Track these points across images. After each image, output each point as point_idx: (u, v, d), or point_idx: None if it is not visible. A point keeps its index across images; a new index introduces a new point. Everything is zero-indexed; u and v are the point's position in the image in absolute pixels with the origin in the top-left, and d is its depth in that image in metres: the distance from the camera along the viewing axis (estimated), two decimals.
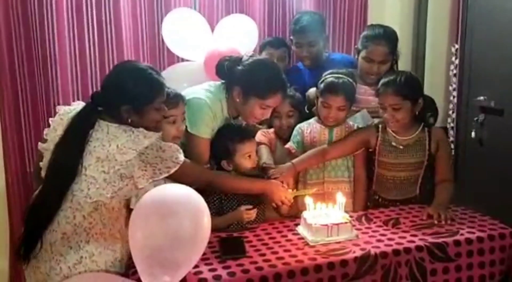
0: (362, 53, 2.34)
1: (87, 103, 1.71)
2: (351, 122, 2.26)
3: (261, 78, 1.94)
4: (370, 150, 2.18)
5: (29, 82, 2.49)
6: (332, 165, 2.21)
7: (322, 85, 2.18)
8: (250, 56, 2.02)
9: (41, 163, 1.69)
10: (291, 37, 2.63)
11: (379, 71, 2.31)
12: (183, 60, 2.63)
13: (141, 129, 1.64)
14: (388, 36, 2.33)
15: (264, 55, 2.54)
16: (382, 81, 2.12)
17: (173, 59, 2.66)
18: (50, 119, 1.76)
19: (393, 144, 2.12)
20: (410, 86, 2.07)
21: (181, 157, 1.69)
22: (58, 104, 2.52)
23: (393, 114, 2.06)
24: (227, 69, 2.00)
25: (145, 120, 1.69)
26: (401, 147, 2.11)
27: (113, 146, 1.60)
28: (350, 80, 2.19)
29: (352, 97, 2.19)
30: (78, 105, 1.75)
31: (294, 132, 2.28)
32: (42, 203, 1.62)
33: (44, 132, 1.73)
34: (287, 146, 2.25)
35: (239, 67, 1.97)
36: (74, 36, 2.52)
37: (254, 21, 2.66)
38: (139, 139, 1.61)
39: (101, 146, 1.60)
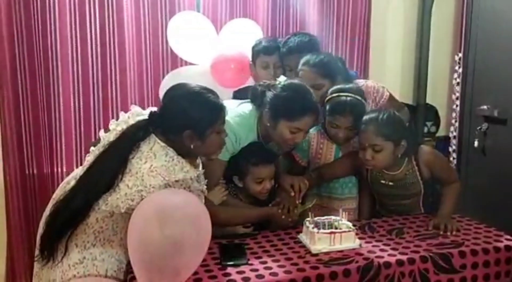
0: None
1: (144, 121, 1.66)
2: None
3: (290, 100, 1.88)
4: (364, 178, 2.13)
5: (30, 83, 2.47)
6: (340, 182, 2.18)
7: (329, 105, 2.06)
8: (285, 80, 1.97)
9: (92, 148, 1.69)
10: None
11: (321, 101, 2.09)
12: (186, 63, 2.61)
13: (182, 160, 1.61)
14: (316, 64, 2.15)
15: (259, 64, 2.39)
16: (364, 118, 1.96)
17: (177, 62, 2.65)
18: (121, 112, 1.75)
19: (382, 181, 2.04)
20: (392, 127, 1.92)
21: (202, 202, 1.65)
22: (59, 105, 2.53)
23: (373, 155, 1.92)
24: (260, 93, 1.96)
25: (207, 144, 1.66)
26: (391, 184, 2.03)
27: (147, 165, 1.56)
28: (359, 98, 2.06)
29: (361, 116, 1.99)
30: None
31: None
32: (71, 211, 1.56)
33: (110, 123, 1.72)
34: (293, 152, 2.21)
35: (271, 91, 1.93)
36: (77, 38, 2.51)
37: (258, 24, 2.65)
38: (173, 170, 1.58)
39: (138, 159, 1.57)
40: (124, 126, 1.66)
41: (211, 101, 1.66)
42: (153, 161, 1.57)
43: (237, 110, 1.96)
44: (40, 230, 1.68)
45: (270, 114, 1.92)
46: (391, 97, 2.30)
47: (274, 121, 1.91)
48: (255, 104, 2.00)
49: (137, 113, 1.72)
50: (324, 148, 2.19)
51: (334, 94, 2.07)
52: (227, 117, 1.82)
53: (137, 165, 1.56)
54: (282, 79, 1.99)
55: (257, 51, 2.39)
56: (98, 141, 1.72)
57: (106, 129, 1.72)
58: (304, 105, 1.90)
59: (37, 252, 1.62)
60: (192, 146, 1.63)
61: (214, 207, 1.87)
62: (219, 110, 1.69)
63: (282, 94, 1.91)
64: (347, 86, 2.10)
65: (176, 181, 1.57)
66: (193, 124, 1.62)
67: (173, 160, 1.59)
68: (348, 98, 2.04)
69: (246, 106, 2.00)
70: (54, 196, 1.74)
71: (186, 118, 1.62)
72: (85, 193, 1.58)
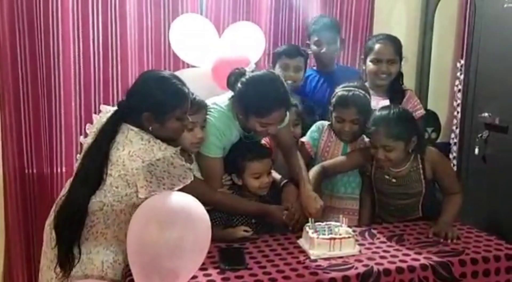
0: (369, 57, 2.34)
1: (114, 112, 1.71)
2: (366, 139, 2.18)
3: (256, 97, 1.84)
4: (368, 173, 2.15)
5: (31, 83, 2.47)
6: (344, 180, 2.19)
7: (334, 100, 2.16)
8: (251, 71, 1.93)
9: (78, 156, 1.75)
10: (308, 42, 2.66)
11: (389, 71, 2.30)
12: (188, 65, 2.60)
13: (158, 141, 1.63)
14: (391, 38, 2.36)
15: (278, 65, 2.48)
16: (373, 118, 2.01)
17: (179, 64, 2.64)
18: (94, 115, 1.82)
19: (386, 177, 2.06)
20: (402, 126, 1.96)
21: (189, 178, 1.66)
22: (59, 106, 2.52)
23: (386, 154, 1.96)
24: (232, 84, 1.93)
25: (165, 129, 1.67)
26: (394, 180, 2.05)
27: (125, 151, 1.59)
28: (363, 92, 2.15)
29: (365, 110, 2.10)
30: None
31: (314, 127, 2.26)
32: (71, 214, 1.59)
33: (87, 127, 1.79)
34: (303, 139, 2.24)
35: (239, 85, 1.89)
36: (79, 38, 2.51)
37: (260, 27, 2.64)
38: (152, 151, 1.59)
39: (116, 149, 1.60)
40: (99, 126, 1.69)
41: (175, 87, 1.68)
42: (130, 147, 1.59)
43: (214, 105, 1.95)
44: (48, 239, 1.69)
45: (239, 109, 1.91)
46: (422, 118, 2.39)
47: (244, 116, 1.90)
48: (232, 91, 1.95)
49: (107, 111, 1.75)
50: (331, 145, 2.22)
51: (339, 90, 2.16)
52: (207, 116, 1.89)
53: (116, 153, 1.60)
54: (251, 67, 1.98)
55: (279, 53, 2.51)
56: (81, 149, 1.76)
57: (85, 135, 1.78)
58: (270, 101, 1.84)
59: (57, 267, 1.61)
60: (150, 128, 1.64)
61: (223, 197, 1.91)
62: (182, 97, 1.69)
63: (247, 90, 1.86)
64: (351, 83, 2.19)
65: (158, 160, 1.58)
66: (153, 107, 1.64)
67: (149, 142, 1.61)
68: (351, 92, 2.12)
69: (222, 100, 1.98)
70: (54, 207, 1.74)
71: (147, 100, 1.65)
72: (78, 196, 1.60)
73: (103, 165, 1.60)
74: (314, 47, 2.63)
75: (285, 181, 2.07)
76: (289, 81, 2.36)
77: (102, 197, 1.60)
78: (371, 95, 2.30)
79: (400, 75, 2.39)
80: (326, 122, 2.27)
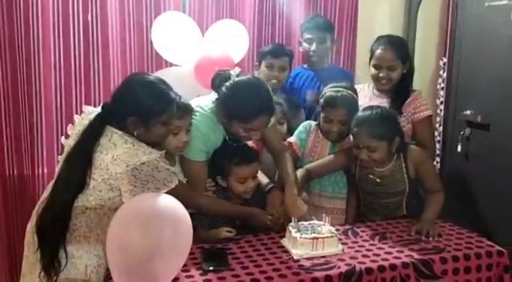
0: (372, 61, 2.32)
1: (98, 114, 1.67)
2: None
3: (241, 103, 1.82)
4: (352, 174, 2.15)
5: (11, 83, 2.43)
6: (331, 180, 2.20)
7: (322, 100, 2.15)
8: (237, 75, 1.90)
9: (59, 156, 1.71)
10: (300, 39, 2.69)
11: (389, 77, 2.27)
12: (171, 65, 2.58)
13: (143, 144, 1.61)
14: (394, 42, 2.29)
15: (264, 64, 2.48)
16: (355, 119, 2.01)
17: (161, 63, 2.62)
18: (75, 116, 1.78)
19: (371, 176, 2.07)
20: (385, 126, 1.97)
21: (174, 182, 1.65)
22: (40, 106, 2.48)
23: (369, 155, 1.97)
24: (217, 86, 1.90)
25: (151, 133, 1.65)
26: (378, 180, 2.06)
27: (109, 155, 1.57)
28: (351, 93, 2.15)
29: (354, 110, 2.09)
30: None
31: (301, 128, 2.26)
32: (54, 218, 1.56)
33: (68, 128, 1.75)
34: (290, 139, 2.23)
35: (223, 89, 1.86)
36: (60, 37, 2.47)
37: (244, 26, 2.64)
38: (136, 155, 1.57)
39: (99, 153, 1.58)
40: (80, 128, 1.66)
41: (161, 92, 1.66)
42: (114, 150, 1.57)
43: (198, 108, 1.93)
44: (30, 243, 1.66)
45: (222, 113, 1.89)
46: (429, 120, 2.33)
47: (227, 120, 1.88)
48: (217, 94, 1.93)
49: (90, 112, 1.72)
50: (319, 145, 2.22)
51: (327, 91, 2.16)
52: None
53: (99, 157, 1.57)
54: (235, 71, 1.95)
55: (264, 53, 2.52)
56: (63, 150, 1.73)
57: (66, 136, 1.74)
58: (255, 106, 1.82)
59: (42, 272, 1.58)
60: (135, 133, 1.63)
61: (206, 201, 1.89)
62: (168, 102, 1.67)
63: (232, 95, 1.84)
64: (339, 84, 2.19)
65: (142, 164, 1.57)
66: (139, 111, 1.62)
67: (133, 145, 1.59)
68: (340, 93, 2.13)
69: (205, 102, 1.96)
70: (36, 209, 1.72)
71: (133, 105, 1.63)
72: (61, 200, 1.57)
73: (86, 169, 1.57)
74: (305, 45, 2.66)
75: (270, 186, 2.05)
76: (274, 81, 2.39)
77: (84, 200, 1.58)
78: (375, 96, 2.32)
79: (406, 76, 2.32)
80: (313, 122, 2.27)
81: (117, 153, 1.56)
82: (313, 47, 2.62)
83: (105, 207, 1.61)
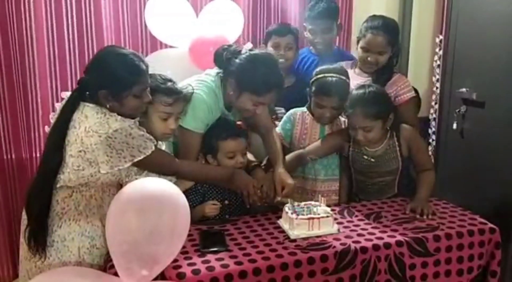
0: (361, 43, 2.30)
1: (74, 90, 1.67)
2: (342, 119, 2.21)
3: (257, 75, 1.85)
4: (345, 155, 2.17)
5: (5, 67, 2.40)
6: (324, 163, 2.21)
7: (315, 86, 2.13)
8: (250, 49, 1.94)
9: None
10: (305, 24, 2.64)
11: (376, 62, 2.27)
12: (166, 46, 2.56)
13: (114, 113, 1.60)
14: (386, 27, 2.25)
15: (270, 44, 2.50)
16: (349, 99, 2.02)
17: (156, 45, 2.60)
18: (56, 104, 1.79)
19: (364, 156, 2.09)
20: (379, 105, 1.98)
21: (150, 148, 1.65)
22: (35, 88, 2.47)
23: (365, 135, 1.99)
24: (225, 59, 1.92)
25: (123, 107, 1.64)
26: (372, 160, 2.08)
27: (81, 128, 1.57)
28: (343, 78, 2.13)
29: (346, 95, 2.08)
30: None
31: (285, 118, 2.26)
32: (37, 194, 1.59)
33: (50, 116, 1.77)
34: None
35: (237, 60, 1.88)
36: (52, 20, 2.44)
37: (238, 6, 2.60)
38: (108, 123, 1.57)
39: (73, 128, 1.58)
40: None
41: (132, 64, 1.63)
42: (86, 123, 1.57)
43: (200, 81, 1.95)
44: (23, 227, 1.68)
45: (235, 85, 1.90)
46: (413, 102, 2.32)
47: (238, 92, 1.90)
48: (219, 68, 1.96)
49: (67, 97, 1.71)
50: (309, 128, 2.21)
51: (320, 75, 2.12)
52: (197, 91, 1.88)
53: (74, 133, 1.58)
54: (248, 46, 1.98)
55: (270, 33, 2.54)
56: None
57: (50, 125, 1.73)
58: (270, 80, 1.87)
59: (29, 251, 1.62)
60: (108, 106, 1.62)
61: (187, 165, 1.87)
62: (139, 74, 1.64)
63: (249, 66, 1.87)
64: (331, 66, 2.16)
65: (115, 131, 1.57)
66: (110, 83, 1.61)
67: (105, 115, 1.59)
68: (334, 78, 2.10)
69: (208, 76, 1.98)
70: None
71: (103, 77, 1.61)
72: (42, 178, 1.60)
73: (62, 147, 1.57)
74: (308, 35, 2.62)
75: (254, 163, 2.06)
76: (282, 60, 2.37)
77: (66, 180, 1.59)
78: (355, 75, 2.32)
79: (392, 57, 2.31)
80: (298, 110, 2.25)
81: (89, 125, 1.56)
82: (317, 39, 2.58)
83: (90, 187, 1.62)
